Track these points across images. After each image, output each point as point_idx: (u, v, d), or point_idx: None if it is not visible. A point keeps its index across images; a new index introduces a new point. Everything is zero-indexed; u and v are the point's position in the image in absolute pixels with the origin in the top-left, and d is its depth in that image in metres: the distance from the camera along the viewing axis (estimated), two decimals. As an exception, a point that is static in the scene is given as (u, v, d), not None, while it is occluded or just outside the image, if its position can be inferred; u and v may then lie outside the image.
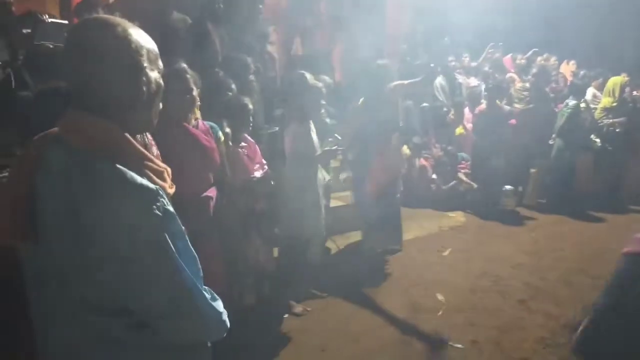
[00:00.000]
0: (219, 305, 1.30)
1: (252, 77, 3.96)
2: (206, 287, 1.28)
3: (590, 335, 1.97)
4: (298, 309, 3.74)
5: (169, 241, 1.13)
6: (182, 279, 1.16)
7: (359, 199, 4.78)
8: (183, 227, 1.21)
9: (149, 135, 1.29)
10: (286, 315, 3.64)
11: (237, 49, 4.39)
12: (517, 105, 6.99)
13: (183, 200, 2.37)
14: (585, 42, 9.23)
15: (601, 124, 7.17)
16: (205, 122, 2.71)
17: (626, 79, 7.41)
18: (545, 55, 8.82)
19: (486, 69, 8.17)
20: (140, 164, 1.17)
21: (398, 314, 3.75)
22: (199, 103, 2.74)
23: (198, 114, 2.77)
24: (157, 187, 1.14)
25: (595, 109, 7.37)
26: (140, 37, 1.17)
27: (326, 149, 3.73)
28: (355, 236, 5.31)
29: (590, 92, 7.66)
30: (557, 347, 3.36)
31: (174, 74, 2.40)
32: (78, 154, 1.11)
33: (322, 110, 3.95)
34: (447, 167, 6.79)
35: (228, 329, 1.34)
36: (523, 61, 8.45)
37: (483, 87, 7.17)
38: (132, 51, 1.14)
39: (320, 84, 3.65)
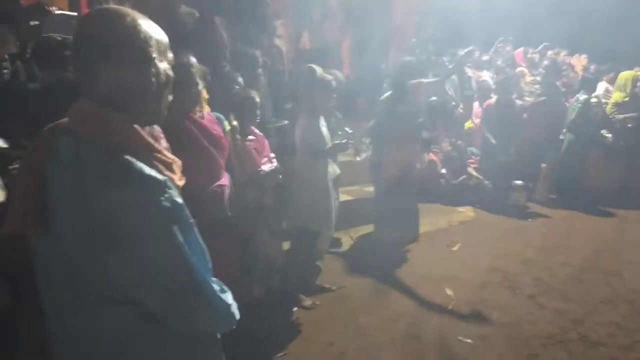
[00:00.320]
0: (228, 297, 1.30)
1: (259, 70, 3.94)
2: (215, 279, 1.28)
3: None
4: (307, 302, 3.74)
5: (178, 232, 1.12)
6: (190, 270, 1.16)
7: (375, 187, 5.01)
8: (192, 219, 1.21)
9: (157, 128, 1.28)
10: (295, 309, 3.64)
11: (244, 43, 4.38)
12: (527, 99, 6.92)
13: (197, 193, 2.40)
14: (596, 36, 9.11)
15: (613, 119, 7.08)
16: (211, 113, 2.71)
17: (638, 73, 7.30)
18: (556, 50, 8.73)
19: (499, 62, 8.08)
20: (149, 156, 1.17)
21: (407, 309, 3.74)
22: (206, 97, 2.73)
23: (207, 108, 2.77)
24: (166, 178, 1.14)
25: (607, 103, 7.28)
26: (150, 27, 1.17)
27: (336, 142, 3.71)
28: (366, 230, 5.31)
29: (602, 86, 7.56)
30: (567, 343, 3.34)
31: (178, 67, 2.39)
32: (87, 144, 1.10)
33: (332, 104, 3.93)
34: (456, 161, 6.74)
35: (237, 321, 1.34)
36: (535, 55, 8.36)
37: (492, 81, 7.11)
38: (142, 41, 1.13)
39: (329, 77, 3.63)
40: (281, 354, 3.16)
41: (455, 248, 5.01)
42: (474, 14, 7.78)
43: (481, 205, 6.37)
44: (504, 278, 4.31)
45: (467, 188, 6.61)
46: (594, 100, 6.85)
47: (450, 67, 5.12)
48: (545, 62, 7.30)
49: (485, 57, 8.41)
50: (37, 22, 1.85)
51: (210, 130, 2.55)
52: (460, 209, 6.30)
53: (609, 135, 6.92)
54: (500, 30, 8.46)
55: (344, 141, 3.73)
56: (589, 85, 6.96)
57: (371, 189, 5.93)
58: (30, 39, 2.22)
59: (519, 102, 6.66)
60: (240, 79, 3.42)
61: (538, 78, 7.12)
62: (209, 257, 1.28)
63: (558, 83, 7.23)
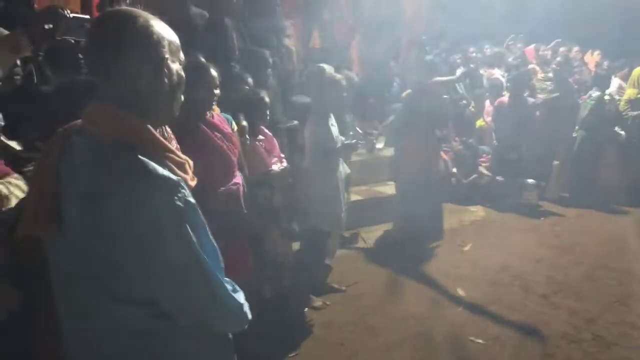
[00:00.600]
0: (240, 296, 1.30)
1: (269, 71, 3.95)
2: (227, 279, 1.28)
3: None
4: (317, 302, 3.74)
5: (190, 232, 1.13)
6: (202, 270, 1.16)
7: (396, 184, 5.19)
8: (204, 219, 1.21)
9: (168, 129, 1.29)
10: (306, 309, 3.64)
11: (254, 43, 4.40)
12: (540, 96, 6.85)
13: (215, 191, 2.43)
14: (610, 32, 9.00)
15: (626, 115, 6.99)
16: (219, 114, 2.73)
17: (652, 69, 7.21)
18: (568, 46, 8.64)
19: (510, 60, 8.01)
20: (162, 156, 1.17)
21: (418, 309, 3.73)
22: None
23: (217, 109, 2.79)
24: (179, 178, 1.15)
25: (620, 100, 7.19)
26: (162, 28, 1.18)
27: (346, 142, 3.70)
28: (376, 229, 5.31)
29: (615, 83, 7.47)
30: (581, 343, 3.30)
31: (196, 69, 2.43)
32: (101, 145, 1.11)
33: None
34: (467, 160, 6.69)
35: (249, 321, 1.34)
36: (547, 52, 8.27)
37: (504, 79, 7.06)
38: (154, 42, 1.14)
39: (339, 76, 3.63)
40: (292, 354, 3.17)
41: (466, 247, 4.98)
42: (484, 11, 7.73)
43: (492, 204, 6.32)
44: (516, 277, 4.28)
45: (478, 187, 6.57)
46: (607, 97, 6.78)
47: (471, 66, 5.21)
48: (558, 59, 7.22)
49: (495, 50, 8.32)
50: (50, 25, 1.87)
51: (222, 128, 2.58)
52: (472, 208, 6.26)
53: (622, 132, 6.83)
54: (511, 27, 8.39)
55: (353, 141, 3.73)
56: (602, 81, 6.88)
57: (380, 188, 5.95)
58: (44, 42, 2.24)
59: (531, 99, 6.60)
60: (249, 79, 3.43)
61: (550, 74, 7.05)
62: (221, 256, 1.29)
63: (570, 80, 7.16)
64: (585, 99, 6.84)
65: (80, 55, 2.41)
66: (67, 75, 2.16)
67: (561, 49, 8.41)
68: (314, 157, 3.58)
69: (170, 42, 1.18)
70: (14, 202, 1.80)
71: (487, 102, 7.09)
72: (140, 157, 1.10)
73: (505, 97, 6.48)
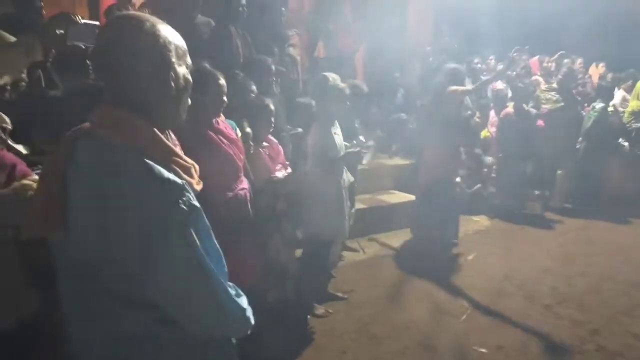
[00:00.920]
0: (244, 301, 1.30)
1: (272, 79, 3.98)
2: (231, 283, 1.29)
3: None
4: (320, 310, 3.73)
5: (194, 235, 1.14)
6: (206, 274, 1.17)
7: (416, 190, 5.26)
8: (208, 223, 1.22)
9: (172, 134, 1.30)
10: (308, 317, 3.63)
11: (257, 51, 4.44)
12: (545, 106, 6.86)
13: (223, 196, 2.45)
14: (614, 44, 9.01)
15: (630, 127, 6.99)
16: (224, 120, 2.75)
17: (656, 82, 7.21)
18: (572, 58, 8.65)
19: (508, 72, 8.02)
20: (168, 159, 1.18)
21: (421, 318, 3.72)
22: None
23: (222, 115, 2.81)
24: (184, 182, 1.16)
25: (624, 112, 7.19)
26: (169, 32, 1.19)
27: (349, 150, 3.71)
28: (378, 238, 5.30)
29: (619, 95, 7.47)
30: (585, 354, 3.28)
31: (207, 76, 2.48)
32: (108, 147, 1.13)
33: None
34: (472, 170, 6.68)
35: (252, 326, 1.34)
36: (551, 64, 8.28)
37: (508, 90, 7.06)
38: (161, 46, 1.16)
39: (342, 85, 3.64)
40: (294, 361, 3.16)
41: (470, 257, 4.97)
42: (489, 22, 7.76)
43: (496, 214, 6.31)
44: (519, 287, 4.26)
45: (483, 197, 6.56)
46: (610, 108, 6.78)
47: (487, 78, 5.24)
48: (564, 69, 7.24)
49: (500, 66, 8.35)
50: (61, 31, 1.90)
51: (227, 134, 2.61)
52: (475, 218, 6.25)
53: (626, 144, 6.83)
54: (516, 38, 8.41)
55: (356, 150, 3.74)
56: (605, 93, 6.88)
57: (384, 197, 5.96)
58: (55, 48, 2.28)
59: (533, 110, 6.61)
60: (253, 87, 3.45)
61: (554, 85, 7.06)
62: (226, 261, 1.29)
63: (573, 91, 7.17)
64: (589, 111, 6.84)
65: (88, 61, 2.45)
66: (75, 80, 2.19)
67: (565, 61, 8.42)
68: (317, 165, 3.59)
69: (177, 46, 1.20)
70: None
71: (492, 113, 7.09)
72: (146, 160, 1.11)
73: (510, 108, 6.48)
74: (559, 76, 7.15)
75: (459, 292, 4.14)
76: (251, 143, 3.08)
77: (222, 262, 1.27)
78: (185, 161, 1.24)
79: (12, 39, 2.22)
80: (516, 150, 6.23)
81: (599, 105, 6.67)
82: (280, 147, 3.38)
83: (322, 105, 3.64)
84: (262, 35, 4.78)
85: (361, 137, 4.40)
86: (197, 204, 1.17)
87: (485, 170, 6.74)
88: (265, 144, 3.24)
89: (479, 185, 6.59)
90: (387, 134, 7.27)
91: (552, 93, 6.94)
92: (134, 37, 1.14)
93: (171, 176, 1.13)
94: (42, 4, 3.43)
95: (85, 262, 1.15)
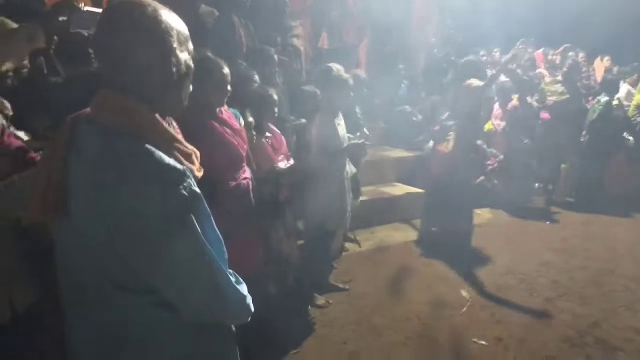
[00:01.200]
0: (244, 288, 1.30)
1: (275, 69, 3.97)
2: (231, 270, 1.28)
3: None
4: (320, 301, 3.74)
5: (195, 221, 1.14)
6: (206, 260, 1.17)
7: (427, 180, 5.33)
8: (209, 211, 1.22)
9: (174, 123, 1.30)
10: (309, 307, 3.64)
11: (261, 41, 4.42)
12: (550, 98, 6.82)
13: (227, 186, 2.46)
14: (619, 38, 8.94)
15: (634, 121, 6.95)
16: (227, 109, 2.75)
17: (661, 76, 7.17)
18: (575, 52, 8.59)
19: (509, 66, 7.96)
20: (169, 145, 1.18)
21: (421, 309, 3.72)
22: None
23: (225, 105, 2.81)
24: (185, 167, 1.15)
25: (629, 106, 7.15)
26: (171, 18, 1.18)
27: (352, 142, 3.70)
28: (380, 231, 5.30)
29: (624, 88, 7.43)
30: (584, 347, 3.29)
31: (214, 66, 2.47)
32: (109, 133, 1.12)
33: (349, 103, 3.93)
34: (475, 163, 6.65)
35: (251, 313, 1.34)
36: (556, 57, 8.23)
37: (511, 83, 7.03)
38: (162, 31, 1.15)
39: (347, 76, 3.62)
40: (294, 352, 3.17)
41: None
42: (494, 14, 7.71)
43: (500, 207, 6.30)
44: (521, 280, 4.26)
45: (486, 189, 6.54)
46: (615, 102, 6.74)
47: (493, 71, 5.22)
48: (569, 61, 7.19)
49: (505, 58, 8.30)
50: (64, 18, 1.89)
51: (231, 124, 2.60)
52: (478, 210, 6.22)
53: (631, 138, 6.80)
54: (520, 31, 8.35)
55: (360, 141, 3.72)
56: (610, 86, 6.84)
57: (386, 189, 5.95)
58: (57, 35, 2.27)
59: (535, 104, 6.59)
60: (256, 77, 3.44)
61: (559, 78, 7.01)
62: (226, 250, 1.29)
63: (577, 84, 7.13)
64: (594, 104, 6.81)
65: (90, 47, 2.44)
66: (78, 67, 2.18)
67: (570, 54, 8.37)
68: (319, 156, 3.58)
69: (179, 32, 1.19)
70: None
71: (496, 106, 7.06)
72: (147, 146, 1.11)
73: (516, 101, 6.45)
74: (564, 69, 7.11)
75: (460, 284, 4.14)
76: (254, 133, 3.07)
77: (222, 249, 1.26)
78: (186, 147, 1.23)
79: (14, 25, 2.21)
80: (522, 143, 6.21)
81: (604, 98, 6.64)
82: (283, 138, 3.37)
83: (326, 95, 3.63)
84: (264, 25, 4.75)
85: (365, 130, 4.39)
86: (197, 190, 1.16)
87: (489, 162, 6.72)
88: (268, 134, 3.24)
89: (482, 178, 6.57)
90: (390, 126, 7.26)
91: (558, 85, 6.90)
92: (135, 22, 1.12)
93: (172, 162, 1.12)
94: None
95: (85, 248, 1.15)
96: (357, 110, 4.38)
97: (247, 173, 2.69)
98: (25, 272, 1.94)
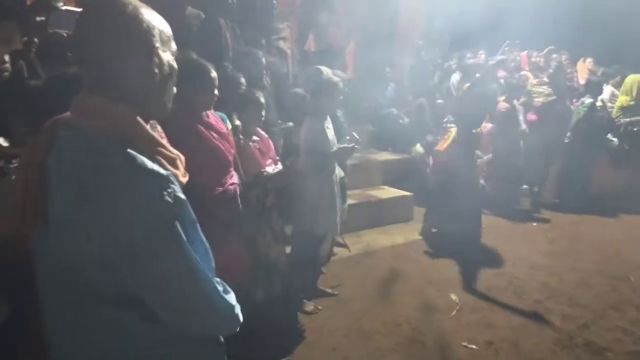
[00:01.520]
0: (232, 298, 1.26)
1: (263, 72, 3.93)
2: (218, 279, 1.24)
3: None
4: (309, 307, 3.70)
5: (180, 229, 1.09)
6: (192, 268, 1.12)
7: (429, 181, 5.49)
8: (195, 216, 1.17)
9: (158, 126, 1.25)
10: (298, 314, 3.60)
11: (247, 44, 4.38)
12: (538, 100, 6.87)
13: (214, 192, 2.41)
14: (602, 39, 9.05)
15: (618, 123, 7.03)
16: (214, 113, 2.70)
17: (645, 77, 7.23)
18: (558, 54, 8.68)
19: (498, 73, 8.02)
20: (152, 150, 1.13)
21: (411, 314, 3.70)
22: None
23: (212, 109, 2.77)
24: (169, 173, 1.11)
25: (613, 107, 7.22)
26: (152, 17, 1.14)
27: (342, 145, 3.66)
28: (368, 234, 5.27)
29: (608, 90, 7.50)
30: (574, 349, 3.28)
31: (201, 69, 2.43)
32: (89, 137, 1.08)
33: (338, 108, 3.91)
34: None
35: (240, 323, 1.29)
36: (539, 59, 8.31)
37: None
38: (143, 31, 1.10)
39: (337, 79, 3.59)
40: (284, 359, 3.12)
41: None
42: (480, 16, 7.74)
43: (487, 210, 6.30)
44: (510, 283, 4.26)
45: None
46: (599, 104, 6.81)
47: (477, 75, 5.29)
48: (554, 63, 7.26)
49: (491, 62, 8.35)
50: (42, 18, 1.83)
51: (218, 128, 2.56)
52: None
53: (615, 140, 6.86)
54: (506, 33, 8.42)
55: (349, 145, 3.69)
56: (594, 88, 6.91)
57: (374, 192, 5.93)
58: (35, 36, 2.20)
59: (521, 108, 6.63)
60: (242, 80, 3.40)
61: (545, 79, 7.07)
62: (213, 257, 1.25)
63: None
64: (578, 106, 6.87)
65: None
66: (58, 69, 2.13)
67: (553, 56, 8.44)
68: (308, 159, 3.54)
69: (161, 31, 1.14)
70: None
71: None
72: (129, 150, 1.06)
73: (505, 103, 6.48)
74: (550, 71, 7.16)
75: (449, 288, 4.13)
76: (241, 137, 3.03)
77: (209, 256, 1.22)
78: (170, 152, 1.19)
79: (-7, 25, 2.15)
80: (509, 145, 6.24)
81: (588, 100, 6.70)
82: (270, 142, 3.33)
83: (315, 99, 3.58)
84: (251, 28, 4.71)
85: (354, 134, 4.35)
86: (182, 196, 1.12)
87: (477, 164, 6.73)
88: (255, 138, 3.19)
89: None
90: (377, 129, 7.26)
91: (544, 87, 6.96)
92: (115, 21, 1.08)
93: (155, 167, 1.08)
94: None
95: (66, 258, 1.10)
96: (339, 113, 4.33)
97: (234, 178, 2.64)
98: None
